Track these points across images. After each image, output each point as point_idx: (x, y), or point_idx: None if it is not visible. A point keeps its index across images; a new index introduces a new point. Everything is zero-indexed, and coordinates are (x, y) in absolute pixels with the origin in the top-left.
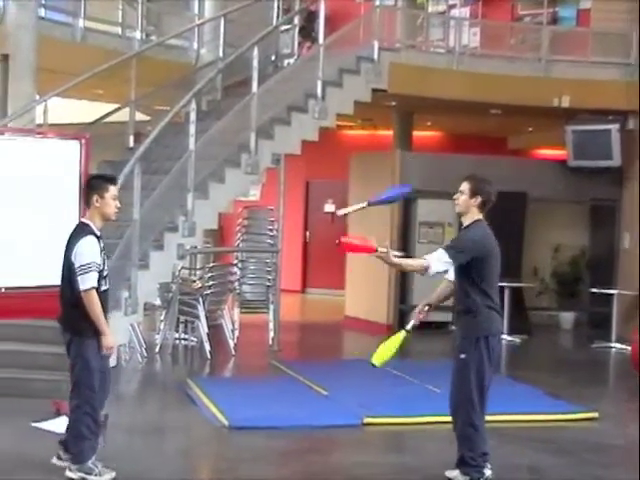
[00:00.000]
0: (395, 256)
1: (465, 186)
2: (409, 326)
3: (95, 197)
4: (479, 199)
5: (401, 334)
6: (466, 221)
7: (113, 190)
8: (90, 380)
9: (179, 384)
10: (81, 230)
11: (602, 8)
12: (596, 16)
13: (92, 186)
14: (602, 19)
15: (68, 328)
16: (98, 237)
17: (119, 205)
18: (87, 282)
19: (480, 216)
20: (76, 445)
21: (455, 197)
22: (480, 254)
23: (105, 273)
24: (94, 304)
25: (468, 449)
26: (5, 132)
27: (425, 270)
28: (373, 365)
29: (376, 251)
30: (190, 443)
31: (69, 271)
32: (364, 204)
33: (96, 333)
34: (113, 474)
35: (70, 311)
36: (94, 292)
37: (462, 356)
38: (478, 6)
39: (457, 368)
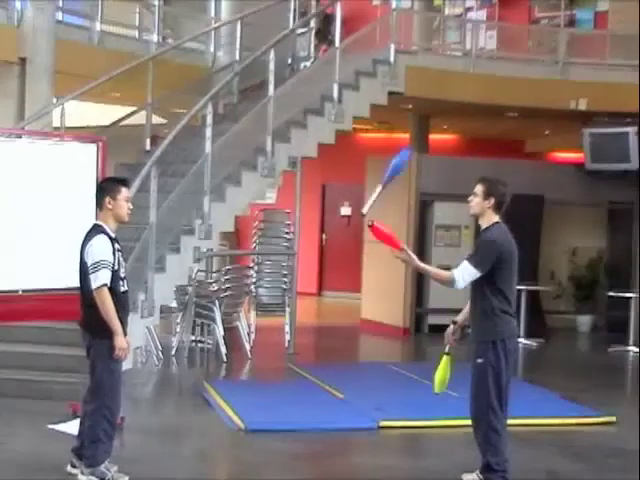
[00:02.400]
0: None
1: (478, 188)
2: (447, 349)
3: (107, 199)
4: (493, 200)
5: (445, 358)
6: (483, 224)
7: (125, 192)
8: (111, 383)
9: (195, 387)
10: (93, 230)
11: (620, 10)
12: (613, 18)
13: (104, 188)
14: (619, 21)
15: (88, 330)
16: (112, 238)
17: (132, 207)
18: (98, 280)
19: (497, 218)
20: (91, 448)
21: (469, 199)
22: (499, 257)
23: (123, 275)
24: (106, 302)
25: (492, 454)
26: (22, 135)
27: (451, 284)
28: (437, 394)
29: (401, 249)
30: (206, 446)
31: (85, 272)
32: (379, 189)
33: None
34: (126, 478)
35: (89, 313)
36: (106, 290)
37: (479, 360)
38: (495, 9)
39: (475, 373)
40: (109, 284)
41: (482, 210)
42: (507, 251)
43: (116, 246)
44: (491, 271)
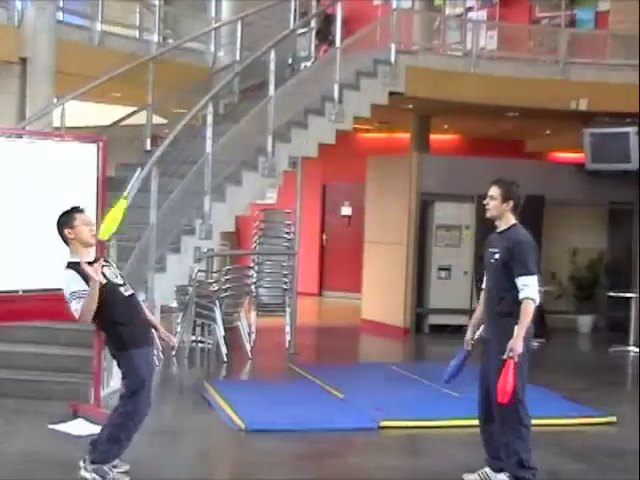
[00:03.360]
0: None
1: (495, 191)
2: (125, 194)
3: (66, 231)
4: (511, 203)
5: (123, 201)
6: (503, 225)
7: (81, 217)
8: (141, 390)
9: (196, 387)
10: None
11: (620, 10)
12: (614, 18)
13: (60, 223)
14: (620, 21)
15: (110, 347)
16: (89, 262)
17: (94, 229)
18: (75, 309)
19: (514, 219)
20: (105, 445)
21: (485, 202)
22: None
23: (120, 282)
24: (82, 315)
25: (524, 450)
26: (23, 135)
27: (534, 305)
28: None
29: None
30: (207, 446)
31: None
32: None
33: (135, 343)
34: (120, 477)
35: (104, 333)
36: (82, 317)
37: (503, 357)
38: (495, 8)
39: (497, 371)
40: (106, 298)
41: (500, 213)
42: (536, 249)
43: (95, 266)
44: (511, 272)
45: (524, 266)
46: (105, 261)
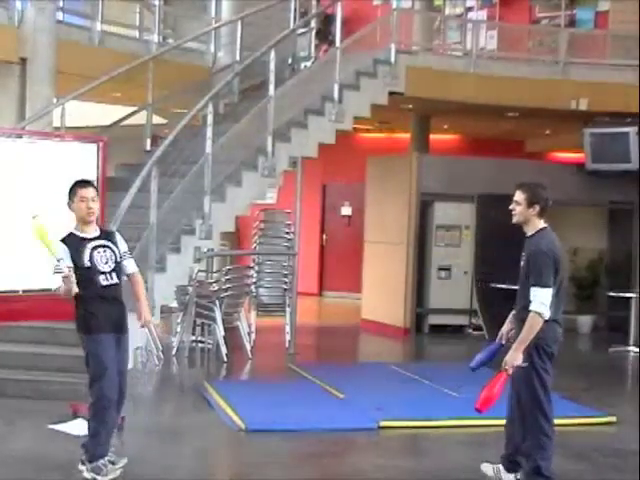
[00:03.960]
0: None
1: (520, 196)
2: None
3: (69, 203)
4: (537, 207)
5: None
6: (529, 231)
7: (81, 192)
8: (101, 375)
9: (196, 387)
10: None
11: (620, 10)
12: (614, 18)
13: (67, 195)
14: (620, 21)
15: (76, 328)
16: (81, 238)
17: (91, 206)
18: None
19: (542, 223)
20: (90, 442)
21: (511, 208)
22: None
23: (103, 269)
24: (61, 293)
25: (542, 458)
26: (23, 135)
27: (542, 319)
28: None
29: (504, 376)
30: (207, 446)
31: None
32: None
33: (99, 329)
34: (118, 472)
35: (75, 311)
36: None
37: (524, 364)
38: (495, 8)
39: (520, 377)
40: (82, 281)
41: (526, 218)
42: (556, 258)
43: (89, 245)
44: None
45: (538, 277)
46: (109, 239)
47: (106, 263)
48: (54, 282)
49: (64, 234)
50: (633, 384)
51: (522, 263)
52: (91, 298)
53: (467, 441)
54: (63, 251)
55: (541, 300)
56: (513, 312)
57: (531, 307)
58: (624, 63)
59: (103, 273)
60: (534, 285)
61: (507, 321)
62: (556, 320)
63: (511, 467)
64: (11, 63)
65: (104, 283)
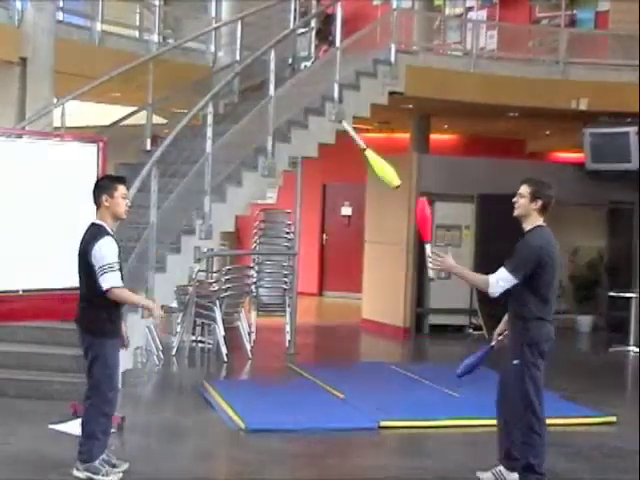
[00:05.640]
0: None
1: (525, 189)
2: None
3: (104, 197)
4: (539, 203)
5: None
6: (527, 226)
7: (122, 189)
8: (110, 381)
9: (196, 387)
10: (97, 232)
11: (620, 10)
12: (614, 18)
13: (101, 186)
14: (620, 21)
15: (87, 330)
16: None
17: (129, 204)
18: (107, 282)
19: (541, 221)
20: (86, 444)
21: (514, 200)
22: (540, 263)
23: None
24: (122, 297)
25: (534, 456)
26: (23, 135)
27: (487, 288)
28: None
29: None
30: (206, 446)
31: (86, 273)
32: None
33: (115, 333)
34: (120, 475)
35: (89, 312)
36: (117, 291)
37: (515, 362)
38: (495, 8)
39: (510, 375)
40: (120, 286)
41: (527, 212)
42: (548, 256)
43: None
44: (532, 277)
45: (512, 262)
46: (116, 240)
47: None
48: (107, 281)
49: (102, 228)
50: (633, 384)
51: None
52: (112, 302)
53: (467, 441)
54: (115, 252)
55: (500, 277)
56: (505, 317)
57: (490, 276)
58: (624, 63)
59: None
60: (504, 265)
61: (502, 321)
62: (546, 319)
63: (512, 465)
64: (11, 63)
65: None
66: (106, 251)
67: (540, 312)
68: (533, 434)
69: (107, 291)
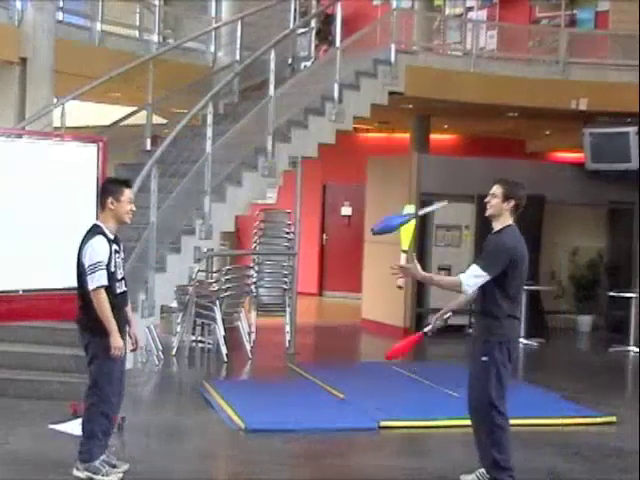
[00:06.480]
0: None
1: (497, 189)
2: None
3: (110, 200)
4: (512, 203)
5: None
6: (497, 225)
7: (128, 193)
8: (109, 380)
9: (195, 387)
10: (92, 231)
11: (620, 10)
12: (614, 18)
13: (108, 189)
14: (620, 21)
15: (86, 329)
16: (110, 239)
17: (134, 209)
18: (95, 281)
19: (511, 221)
20: (86, 444)
21: (487, 200)
22: (512, 261)
23: (120, 276)
24: (103, 303)
25: (498, 452)
26: (23, 135)
27: (459, 288)
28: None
29: (422, 334)
30: (206, 446)
31: (82, 272)
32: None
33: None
34: (120, 475)
35: (87, 312)
36: (102, 291)
37: (484, 358)
38: (495, 8)
39: (478, 371)
40: (106, 285)
41: (500, 212)
42: (519, 256)
43: (114, 247)
44: (502, 275)
45: (484, 259)
46: (119, 244)
47: (120, 270)
48: (94, 280)
49: (98, 228)
50: (633, 384)
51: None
52: (110, 300)
53: (467, 441)
54: (105, 252)
55: (473, 274)
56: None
57: (461, 275)
58: (624, 63)
59: (120, 280)
60: (475, 262)
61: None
62: (517, 317)
63: None
64: (11, 63)
65: (119, 291)
66: (95, 250)
67: (511, 310)
68: (496, 429)
69: (93, 290)
